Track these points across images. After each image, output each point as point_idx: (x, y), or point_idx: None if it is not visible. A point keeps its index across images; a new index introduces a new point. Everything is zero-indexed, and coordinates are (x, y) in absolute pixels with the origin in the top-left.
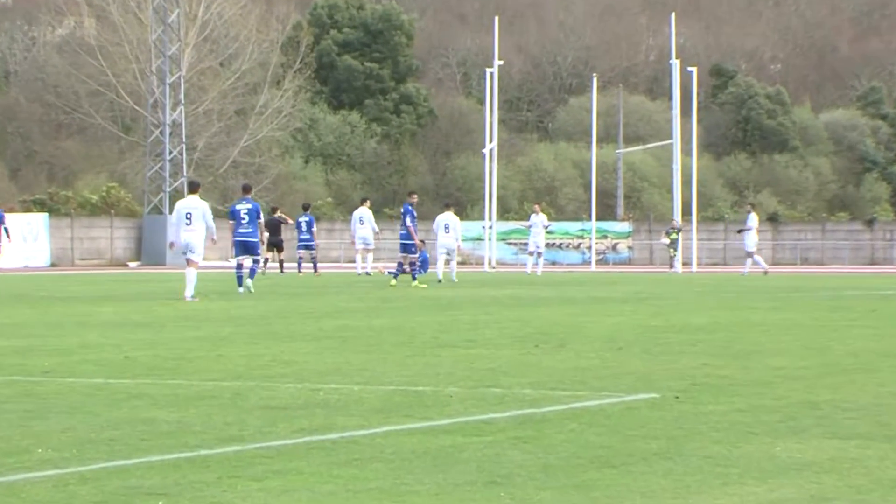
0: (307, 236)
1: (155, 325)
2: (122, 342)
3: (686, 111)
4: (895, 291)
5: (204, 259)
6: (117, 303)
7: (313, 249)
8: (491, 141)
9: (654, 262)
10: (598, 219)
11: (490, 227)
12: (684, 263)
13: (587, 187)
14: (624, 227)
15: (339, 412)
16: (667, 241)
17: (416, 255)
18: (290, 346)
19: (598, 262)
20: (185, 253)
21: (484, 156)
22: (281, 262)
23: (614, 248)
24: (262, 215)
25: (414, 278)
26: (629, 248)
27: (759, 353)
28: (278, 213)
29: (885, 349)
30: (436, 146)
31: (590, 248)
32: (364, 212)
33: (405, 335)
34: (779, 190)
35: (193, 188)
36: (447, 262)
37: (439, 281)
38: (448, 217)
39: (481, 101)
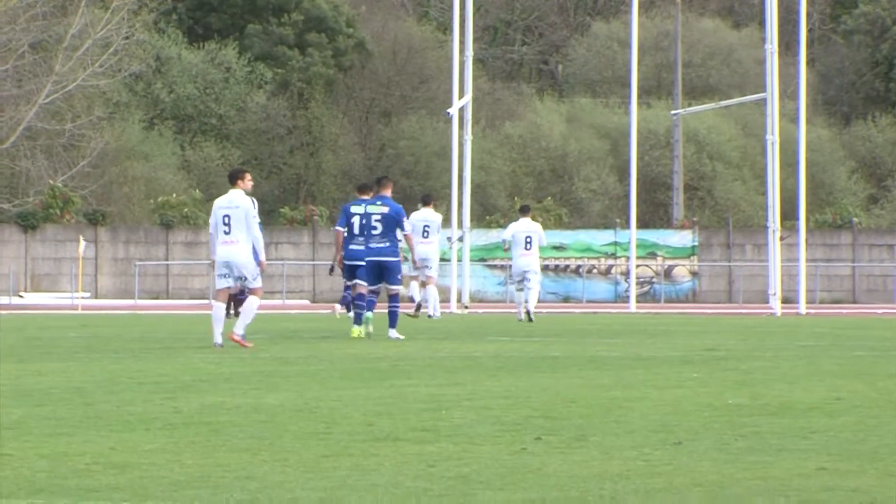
0: None
1: None
2: None
3: (790, 46)
4: None
5: None
6: None
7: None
8: (462, 95)
9: (736, 296)
10: (641, 225)
11: (460, 240)
12: (786, 300)
13: (623, 171)
14: (685, 238)
15: None
16: None
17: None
18: (126, 438)
19: (642, 297)
20: (225, 276)
21: (450, 118)
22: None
23: (668, 273)
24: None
25: (357, 322)
26: (693, 273)
27: None
28: None
29: None
30: (368, 103)
31: (627, 274)
32: (430, 216)
33: (319, 421)
34: None
35: (235, 178)
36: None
37: (530, 319)
38: (528, 226)
39: (445, 28)
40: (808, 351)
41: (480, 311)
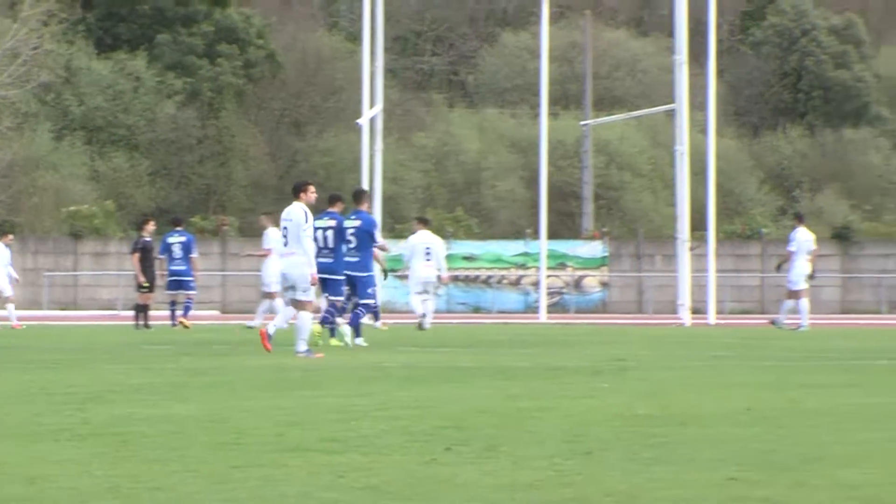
0: (182, 266)
1: None
2: None
3: (698, 57)
4: None
5: None
6: None
7: (192, 287)
8: (373, 105)
9: (646, 306)
10: (551, 236)
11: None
12: (695, 311)
13: (532, 182)
14: (594, 249)
15: None
16: None
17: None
18: (34, 450)
19: (552, 307)
20: (286, 289)
21: (360, 129)
22: (146, 308)
23: (578, 284)
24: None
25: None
26: (603, 284)
27: (820, 460)
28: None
29: None
30: (279, 114)
31: (537, 284)
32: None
33: (229, 432)
34: (852, 187)
35: (297, 191)
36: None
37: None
38: (427, 238)
39: (355, 38)
40: (718, 361)
41: (391, 321)
